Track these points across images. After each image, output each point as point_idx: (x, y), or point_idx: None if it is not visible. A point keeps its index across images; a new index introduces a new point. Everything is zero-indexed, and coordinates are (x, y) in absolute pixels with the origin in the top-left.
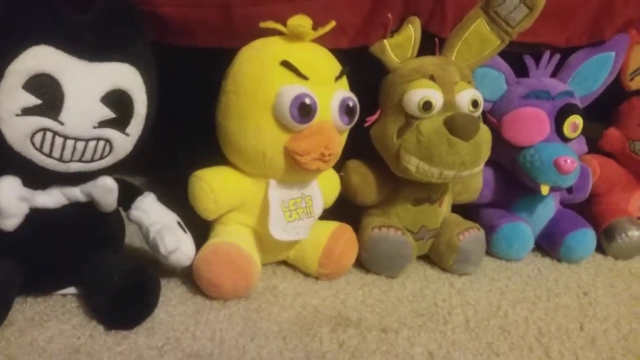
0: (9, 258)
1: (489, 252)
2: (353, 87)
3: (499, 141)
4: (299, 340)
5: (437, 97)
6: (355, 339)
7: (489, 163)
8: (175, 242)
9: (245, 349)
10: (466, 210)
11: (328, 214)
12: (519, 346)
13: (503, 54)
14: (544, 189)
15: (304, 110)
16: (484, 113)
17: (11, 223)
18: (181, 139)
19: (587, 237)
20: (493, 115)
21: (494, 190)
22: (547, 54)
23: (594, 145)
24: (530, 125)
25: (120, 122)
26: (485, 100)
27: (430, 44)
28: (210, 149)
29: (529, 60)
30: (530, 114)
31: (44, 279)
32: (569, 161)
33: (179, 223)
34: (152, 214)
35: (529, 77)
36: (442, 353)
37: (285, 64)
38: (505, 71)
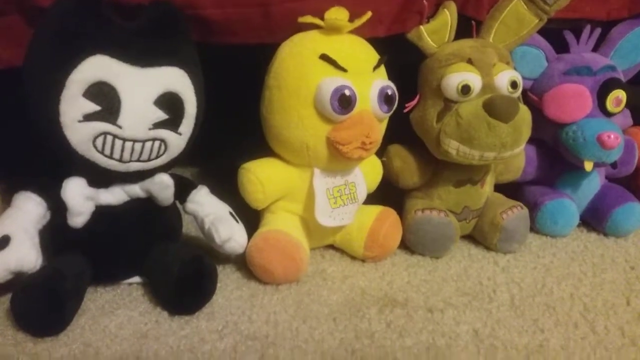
0: (79, 253)
1: (534, 229)
2: (392, 73)
3: (540, 118)
4: (348, 321)
5: (475, 80)
6: (402, 318)
7: (532, 140)
8: (229, 232)
9: (298, 331)
10: (510, 189)
11: (372, 199)
12: (564, 322)
13: (542, 31)
14: (588, 165)
15: (344, 102)
16: (524, 91)
17: (80, 220)
18: (229, 131)
19: (633, 211)
20: (534, 93)
21: (537, 167)
22: (587, 28)
23: None
24: (572, 101)
25: (173, 122)
26: (525, 79)
27: (467, 27)
28: (257, 140)
29: (569, 36)
30: (571, 90)
31: (111, 270)
32: (612, 136)
33: (231, 213)
34: (206, 206)
35: (570, 53)
36: (487, 331)
37: (324, 57)
38: (545, 48)
